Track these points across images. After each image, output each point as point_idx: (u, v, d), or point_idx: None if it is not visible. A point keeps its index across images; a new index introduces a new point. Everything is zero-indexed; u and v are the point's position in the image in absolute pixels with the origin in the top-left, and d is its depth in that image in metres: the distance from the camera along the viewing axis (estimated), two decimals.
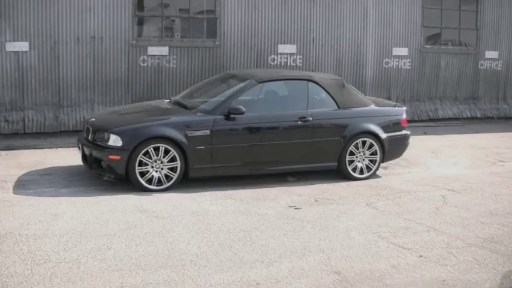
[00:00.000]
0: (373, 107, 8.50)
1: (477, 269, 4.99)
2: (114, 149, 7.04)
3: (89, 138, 7.40)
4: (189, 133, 7.24)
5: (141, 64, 11.04)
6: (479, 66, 14.18)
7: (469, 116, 14.05)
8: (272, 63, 11.96)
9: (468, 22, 14.03)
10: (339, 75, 11.54)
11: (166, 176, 7.17)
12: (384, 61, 13.03)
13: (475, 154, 10.23)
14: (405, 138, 8.60)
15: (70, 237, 5.34)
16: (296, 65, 12.14)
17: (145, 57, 11.04)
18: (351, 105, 8.25)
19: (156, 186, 7.11)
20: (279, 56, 12.01)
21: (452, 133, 12.33)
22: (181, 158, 7.18)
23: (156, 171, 7.11)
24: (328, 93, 8.14)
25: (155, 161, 7.10)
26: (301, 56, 12.14)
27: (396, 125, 8.50)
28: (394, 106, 8.88)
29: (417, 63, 13.41)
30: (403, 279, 4.73)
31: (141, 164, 7.04)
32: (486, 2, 14.07)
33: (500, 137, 12.06)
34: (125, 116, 7.95)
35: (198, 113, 7.57)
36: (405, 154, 8.85)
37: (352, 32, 12.61)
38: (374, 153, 8.20)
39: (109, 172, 7.14)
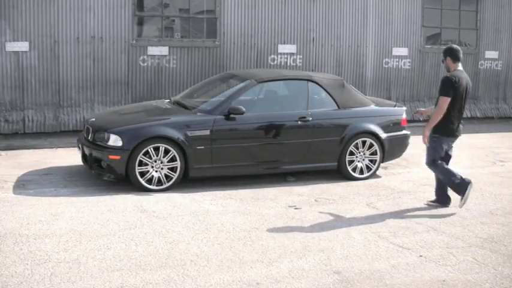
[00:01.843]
0: (373, 107, 8.50)
1: (477, 269, 4.99)
2: (114, 149, 7.05)
3: (89, 138, 7.40)
4: (189, 133, 7.24)
5: (141, 64, 11.04)
6: (479, 66, 14.18)
7: (469, 116, 14.04)
8: (272, 63, 11.96)
9: (468, 22, 14.03)
10: (339, 75, 11.53)
11: (166, 176, 7.17)
12: (384, 61, 13.02)
13: (475, 154, 10.23)
14: (405, 138, 8.60)
15: (70, 237, 5.34)
16: (296, 65, 12.14)
17: (145, 57, 11.04)
18: (351, 105, 8.24)
19: (156, 186, 7.11)
20: (279, 56, 12.01)
21: None
22: (181, 158, 7.18)
23: (156, 171, 7.11)
24: (328, 93, 8.14)
25: (155, 161, 7.10)
26: (301, 56, 12.14)
27: (396, 125, 8.50)
28: (394, 106, 8.88)
29: (417, 63, 13.41)
30: (403, 279, 4.74)
31: (141, 164, 7.04)
32: (486, 2, 14.07)
33: (500, 137, 12.06)
34: (124, 116, 7.95)
35: (198, 113, 7.58)
36: (405, 154, 8.85)
37: (352, 32, 12.61)
38: (374, 153, 8.20)
39: (109, 172, 7.14)
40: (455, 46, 6.58)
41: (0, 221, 5.73)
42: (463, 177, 6.56)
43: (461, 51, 6.54)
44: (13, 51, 10.14)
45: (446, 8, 13.71)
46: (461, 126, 6.62)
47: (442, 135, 6.50)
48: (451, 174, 6.56)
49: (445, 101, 6.35)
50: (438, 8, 13.59)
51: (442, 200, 6.83)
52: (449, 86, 6.36)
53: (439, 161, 6.58)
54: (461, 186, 6.53)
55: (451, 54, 6.50)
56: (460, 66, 6.55)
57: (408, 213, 6.52)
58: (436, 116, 6.42)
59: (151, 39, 11.11)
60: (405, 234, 5.80)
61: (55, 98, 10.52)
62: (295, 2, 12.00)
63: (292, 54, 12.09)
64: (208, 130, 7.34)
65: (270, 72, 9.51)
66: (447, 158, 6.71)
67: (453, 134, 6.54)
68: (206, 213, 6.27)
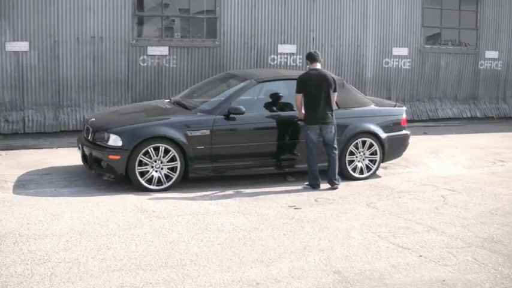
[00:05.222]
0: (373, 107, 8.50)
1: (477, 269, 4.99)
2: (114, 149, 7.05)
3: (89, 138, 7.40)
4: (189, 133, 7.24)
5: (141, 64, 11.03)
6: (479, 66, 14.17)
7: (469, 116, 14.04)
8: (272, 63, 11.95)
9: (468, 22, 14.02)
10: (339, 75, 11.53)
11: (166, 176, 7.17)
12: (384, 61, 13.02)
13: (475, 154, 10.22)
14: (405, 138, 8.59)
15: (70, 237, 5.34)
16: (296, 65, 12.13)
17: (145, 57, 11.03)
18: (351, 105, 8.24)
19: (156, 186, 7.11)
20: (279, 56, 12.01)
21: (452, 133, 12.33)
22: (181, 158, 7.18)
23: (156, 171, 7.12)
24: None
25: (155, 161, 7.10)
26: (301, 56, 12.12)
27: (396, 125, 8.50)
28: (394, 106, 8.88)
29: (417, 63, 13.40)
30: (403, 279, 4.74)
31: (141, 163, 7.04)
32: (486, 2, 14.07)
33: (500, 137, 12.05)
34: (124, 116, 7.95)
35: (198, 113, 7.58)
36: (405, 154, 8.85)
37: (352, 32, 12.61)
38: (374, 153, 8.19)
39: (109, 172, 7.13)
40: (311, 51, 7.83)
41: (0, 221, 5.73)
42: (318, 179, 7.53)
43: (316, 54, 7.70)
44: (13, 51, 10.14)
45: (446, 8, 13.69)
46: (329, 114, 7.49)
47: (306, 123, 7.54)
48: (312, 163, 7.51)
49: (298, 97, 7.59)
50: (438, 8, 13.59)
51: (330, 182, 7.58)
52: (299, 84, 7.56)
53: (313, 148, 7.50)
54: (312, 179, 7.52)
55: (308, 58, 7.72)
56: (317, 66, 7.63)
57: (408, 213, 6.52)
58: (297, 109, 7.66)
59: (151, 39, 11.11)
60: (405, 234, 5.80)
61: (55, 98, 10.52)
62: (295, 2, 11.99)
63: (292, 54, 12.09)
64: (208, 130, 7.34)
65: (270, 72, 9.51)
66: (327, 143, 7.56)
67: (314, 122, 7.47)
68: (206, 213, 6.27)
